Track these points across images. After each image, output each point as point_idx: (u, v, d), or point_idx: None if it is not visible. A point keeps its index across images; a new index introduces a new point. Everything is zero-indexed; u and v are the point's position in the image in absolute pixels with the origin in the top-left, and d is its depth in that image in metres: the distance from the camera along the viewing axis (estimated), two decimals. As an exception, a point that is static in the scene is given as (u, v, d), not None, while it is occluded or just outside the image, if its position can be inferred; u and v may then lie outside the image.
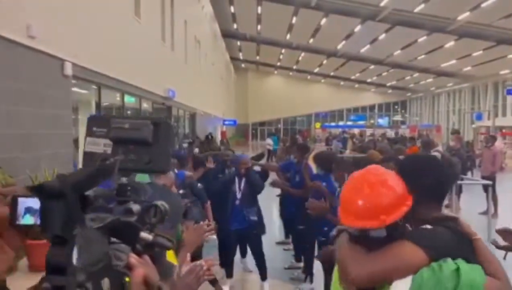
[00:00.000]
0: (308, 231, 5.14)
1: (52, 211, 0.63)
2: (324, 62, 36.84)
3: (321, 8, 22.55)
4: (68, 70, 6.66)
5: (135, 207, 0.77)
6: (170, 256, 2.39)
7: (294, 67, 42.03)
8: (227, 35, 33.36)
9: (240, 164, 5.20)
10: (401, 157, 7.59)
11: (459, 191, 9.46)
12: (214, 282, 4.84)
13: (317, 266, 5.16)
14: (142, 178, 2.46)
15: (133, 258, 0.62)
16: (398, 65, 33.84)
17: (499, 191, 9.73)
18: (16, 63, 5.41)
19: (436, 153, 7.36)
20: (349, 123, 47.90)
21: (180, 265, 2.42)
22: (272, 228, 7.41)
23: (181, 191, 4.91)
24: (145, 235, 0.73)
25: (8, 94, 5.25)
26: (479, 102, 35.76)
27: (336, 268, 1.63)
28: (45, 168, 5.28)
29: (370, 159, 4.29)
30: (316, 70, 41.80)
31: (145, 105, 13.23)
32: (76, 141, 9.04)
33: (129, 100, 11.42)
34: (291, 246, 6.65)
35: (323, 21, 24.48)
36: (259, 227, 5.31)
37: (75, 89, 8.31)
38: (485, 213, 8.80)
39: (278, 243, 7.23)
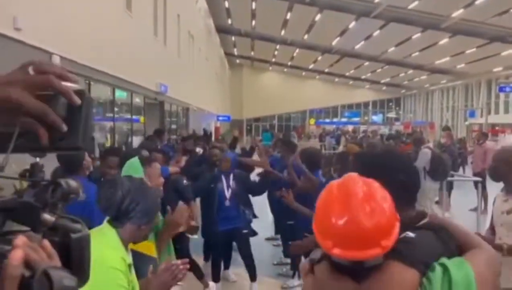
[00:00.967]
0: (296, 227, 5.12)
1: None
2: (319, 58, 36.82)
3: (315, 4, 22.51)
4: (56, 63, 6.58)
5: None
6: (149, 248, 2.35)
7: (289, 63, 41.96)
8: (221, 30, 33.22)
9: (222, 162, 5.07)
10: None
11: (450, 187, 9.49)
12: (200, 277, 4.82)
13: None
14: (134, 170, 2.39)
15: (19, 240, 0.55)
16: (393, 62, 33.89)
17: (490, 188, 9.76)
18: (1, 56, 5.33)
19: (426, 150, 7.35)
20: (344, 119, 47.99)
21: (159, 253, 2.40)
22: (261, 224, 7.38)
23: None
24: (47, 216, 0.66)
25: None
26: (472, 100, 35.93)
27: None
28: (31, 163, 5.23)
29: (349, 152, 4.25)
30: (311, 66, 41.77)
31: (137, 100, 13.14)
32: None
33: (120, 94, 11.33)
34: (280, 242, 6.63)
35: (318, 17, 24.43)
36: (250, 228, 5.19)
37: (63, 83, 8.23)
38: (476, 209, 8.84)
39: (268, 239, 7.22)
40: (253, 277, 5.11)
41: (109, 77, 9.24)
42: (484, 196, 9.10)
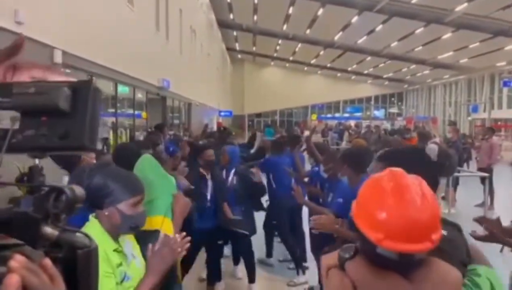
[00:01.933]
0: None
1: None
2: (321, 53, 36.63)
3: (318, -2, 22.35)
4: (58, 58, 6.50)
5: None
6: (167, 227, 2.26)
7: (291, 58, 41.77)
8: (223, 25, 33.05)
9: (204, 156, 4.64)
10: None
11: (456, 183, 9.40)
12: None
13: (311, 257, 5.09)
14: (150, 168, 2.29)
15: (15, 261, 0.45)
16: (395, 56, 33.70)
17: (496, 184, 9.68)
18: (3, 49, 5.25)
19: (433, 145, 7.27)
20: (346, 115, 47.84)
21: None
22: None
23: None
24: (49, 230, 0.56)
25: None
26: (475, 94, 35.75)
27: None
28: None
29: (356, 147, 4.20)
30: (312, 61, 41.58)
31: (139, 95, 13.06)
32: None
33: (122, 90, 11.25)
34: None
35: (320, 11, 24.26)
36: (245, 227, 4.79)
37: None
38: (481, 205, 8.76)
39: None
40: (251, 278, 4.91)
41: (111, 72, 9.15)
42: (490, 191, 9.02)
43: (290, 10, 25.28)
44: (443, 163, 6.97)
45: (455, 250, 1.25)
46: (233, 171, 4.69)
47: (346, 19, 25.25)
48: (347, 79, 48.46)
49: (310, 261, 5.51)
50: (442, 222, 1.27)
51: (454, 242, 1.27)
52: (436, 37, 25.95)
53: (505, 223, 2.58)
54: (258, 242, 5.53)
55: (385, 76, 44.59)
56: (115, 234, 1.74)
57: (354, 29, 26.84)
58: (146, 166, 2.28)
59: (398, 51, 31.88)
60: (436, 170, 1.53)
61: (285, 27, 29.33)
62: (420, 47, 29.24)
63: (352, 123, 31.89)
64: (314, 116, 45.30)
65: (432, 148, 7.17)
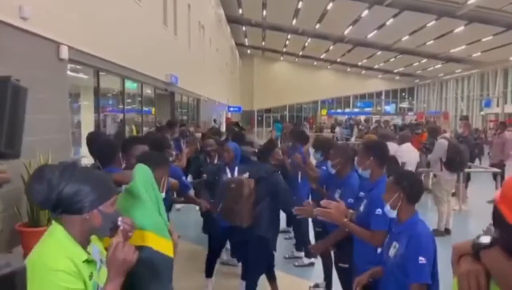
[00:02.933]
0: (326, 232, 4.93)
1: None
2: (331, 48, 36.37)
3: (327, -8, 22.12)
4: (64, 53, 6.48)
5: None
6: (166, 247, 2.20)
7: (300, 53, 41.56)
8: (232, 20, 32.95)
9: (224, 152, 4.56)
10: (407, 143, 7.38)
11: (467, 179, 9.24)
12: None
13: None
14: (140, 182, 2.22)
15: None
16: (406, 51, 33.32)
17: (508, 179, 9.49)
18: (8, 46, 5.23)
19: (442, 140, 7.13)
20: (356, 110, 47.51)
21: None
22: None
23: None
24: None
25: (0, 78, 5.08)
26: (488, 89, 35.21)
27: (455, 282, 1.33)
28: (40, 154, 5.15)
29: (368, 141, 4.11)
30: (322, 56, 41.31)
31: (148, 91, 13.05)
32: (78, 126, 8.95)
33: (130, 85, 11.25)
34: (292, 235, 6.50)
35: (330, 5, 24.03)
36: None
37: (76, 74, 8.16)
38: (494, 201, 8.60)
39: (279, 231, 7.09)
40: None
41: (119, 67, 9.13)
42: (502, 187, 8.84)
43: (300, 5, 25.09)
44: (453, 158, 6.84)
45: None
46: (236, 168, 4.48)
47: (356, 13, 24.99)
48: (357, 74, 48.08)
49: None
50: None
51: None
52: (448, 31, 25.58)
53: None
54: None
55: (395, 70, 44.15)
56: (84, 240, 1.62)
57: (364, 23, 26.56)
58: (140, 177, 2.19)
59: (409, 45, 31.50)
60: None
61: (294, 21, 29.13)
62: (432, 41, 28.85)
63: (362, 118, 31.61)
64: (323, 111, 45.09)
65: (441, 143, 7.03)
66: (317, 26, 29.20)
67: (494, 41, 26.10)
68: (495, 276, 1.23)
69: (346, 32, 29.84)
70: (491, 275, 1.23)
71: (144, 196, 2.14)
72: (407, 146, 7.27)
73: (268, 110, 48.91)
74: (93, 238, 1.71)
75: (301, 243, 5.87)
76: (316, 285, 4.98)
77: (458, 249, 1.35)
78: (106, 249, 1.87)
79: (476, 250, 1.28)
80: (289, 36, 34.76)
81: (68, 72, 6.97)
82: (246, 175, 4.23)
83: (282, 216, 7.08)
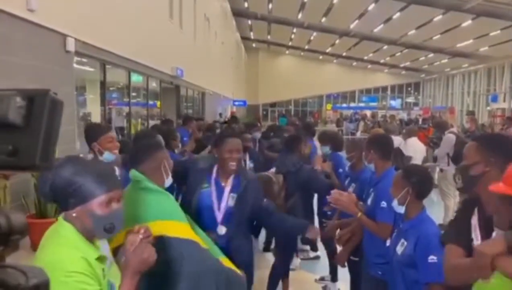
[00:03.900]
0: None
1: None
2: (337, 42, 36.16)
3: (334, -14, 21.95)
4: (71, 46, 6.49)
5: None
6: (185, 230, 2.09)
7: (306, 47, 41.36)
8: (237, 14, 32.82)
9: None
10: (413, 137, 7.34)
11: (473, 174, 9.18)
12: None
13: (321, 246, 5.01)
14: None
15: None
16: (413, 45, 33.08)
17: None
18: (15, 37, 5.24)
19: (450, 135, 7.09)
20: (361, 104, 47.32)
21: None
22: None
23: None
24: None
25: (7, 70, 5.10)
26: (495, 84, 34.93)
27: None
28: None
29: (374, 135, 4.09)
30: (328, 50, 41.10)
31: (154, 84, 13.06)
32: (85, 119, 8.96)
33: (136, 79, 11.25)
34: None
35: (336, -1, 23.89)
36: None
37: (82, 67, 8.17)
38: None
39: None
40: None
41: (124, 60, 9.14)
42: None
43: (305, -2, 24.96)
44: (461, 153, 6.79)
45: None
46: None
47: (362, 7, 24.81)
48: (363, 68, 47.83)
49: (321, 249, 5.46)
50: None
51: None
52: (455, 25, 25.35)
53: None
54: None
55: (402, 65, 43.88)
56: (91, 236, 1.52)
57: (370, 17, 26.37)
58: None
59: (415, 40, 31.26)
60: None
61: (300, 15, 28.97)
62: (439, 36, 28.61)
63: (367, 112, 31.49)
64: (329, 106, 44.94)
65: (449, 138, 7.00)
66: (323, 20, 29.02)
67: (502, 35, 25.83)
68: None
69: (352, 26, 29.65)
70: None
71: (153, 186, 2.12)
72: (414, 140, 7.25)
73: (273, 104, 48.81)
74: None
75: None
76: (322, 278, 4.99)
77: (486, 251, 1.32)
78: (115, 249, 1.82)
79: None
80: (294, 30, 34.59)
81: (74, 65, 6.98)
82: (273, 170, 4.17)
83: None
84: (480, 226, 1.64)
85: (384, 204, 2.82)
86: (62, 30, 6.25)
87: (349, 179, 4.00)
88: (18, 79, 5.24)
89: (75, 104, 7.12)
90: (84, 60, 7.80)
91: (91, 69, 8.79)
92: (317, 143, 5.86)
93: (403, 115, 33.65)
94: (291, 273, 4.96)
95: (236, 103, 33.24)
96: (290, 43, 41.21)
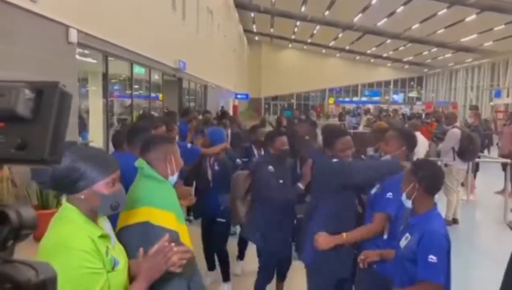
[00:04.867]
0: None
1: None
2: (340, 35, 36.00)
3: (337, -21, 21.81)
4: (73, 37, 6.46)
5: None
6: (169, 219, 2.11)
7: (309, 40, 41.18)
8: (240, 6, 32.66)
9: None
10: (416, 132, 7.32)
11: (476, 169, 9.16)
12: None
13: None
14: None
15: None
16: (416, 39, 32.90)
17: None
18: (17, 28, 5.22)
19: (455, 129, 7.05)
20: (364, 98, 47.18)
21: None
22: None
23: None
24: None
25: (9, 61, 5.08)
26: (499, 79, 34.75)
27: None
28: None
29: (380, 129, 4.07)
30: (331, 43, 40.93)
31: (156, 77, 13.02)
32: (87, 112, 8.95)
33: (138, 71, 11.21)
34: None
35: (340, -8, 23.75)
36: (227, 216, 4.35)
37: (84, 58, 8.14)
38: (502, 192, 8.54)
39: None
40: (225, 275, 4.57)
41: (127, 52, 9.10)
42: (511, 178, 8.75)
43: (309, -9, 24.81)
44: (466, 147, 6.78)
45: None
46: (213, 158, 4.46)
47: (366, 0, 24.66)
48: (366, 62, 47.64)
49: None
50: None
51: None
52: (459, 19, 25.19)
53: None
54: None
55: (405, 59, 43.69)
56: (94, 217, 1.62)
57: (374, 11, 26.21)
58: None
59: (419, 34, 31.10)
60: None
61: (303, 8, 28.83)
62: (442, 30, 28.44)
63: (370, 107, 31.40)
64: (331, 100, 44.83)
65: (454, 133, 6.97)
66: (326, 13, 28.88)
67: (506, 30, 25.67)
68: None
69: (355, 19, 29.49)
70: None
71: (159, 177, 2.13)
72: (416, 135, 7.21)
73: (275, 98, 48.72)
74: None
75: None
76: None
77: None
78: (119, 230, 1.93)
79: None
80: (297, 23, 34.43)
81: (77, 56, 6.96)
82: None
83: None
84: None
85: (390, 195, 2.81)
86: (64, 21, 6.23)
87: None
88: (20, 70, 5.23)
89: (77, 96, 7.10)
90: (86, 51, 7.77)
91: (94, 61, 8.76)
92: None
93: (406, 110, 33.56)
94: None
95: (239, 96, 33.18)
96: (293, 36, 41.04)
